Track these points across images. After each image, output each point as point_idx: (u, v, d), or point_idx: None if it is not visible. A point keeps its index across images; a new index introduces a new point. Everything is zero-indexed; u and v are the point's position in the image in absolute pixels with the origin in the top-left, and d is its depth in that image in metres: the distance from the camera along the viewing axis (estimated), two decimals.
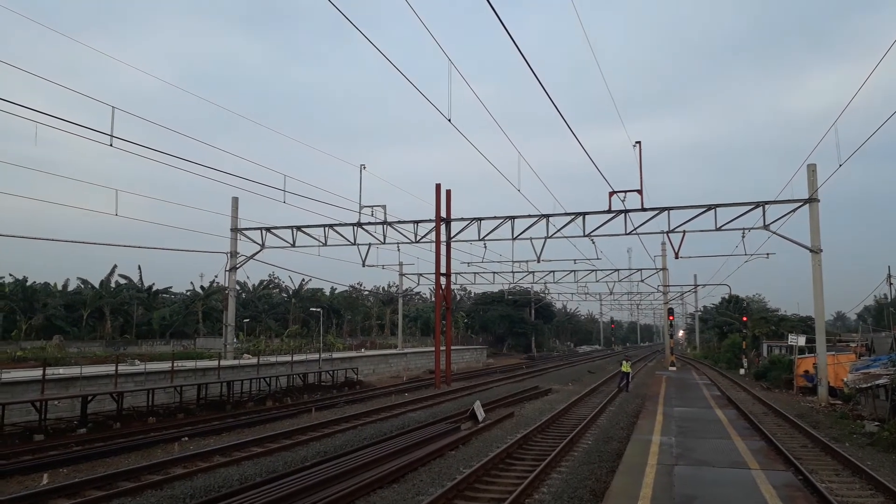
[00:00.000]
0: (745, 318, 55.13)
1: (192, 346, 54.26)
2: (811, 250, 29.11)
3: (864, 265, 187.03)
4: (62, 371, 24.16)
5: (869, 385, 21.31)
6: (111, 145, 20.44)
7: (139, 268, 71.30)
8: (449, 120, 17.30)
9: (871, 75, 14.62)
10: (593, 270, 54.36)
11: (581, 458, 15.12)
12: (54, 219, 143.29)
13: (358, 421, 21.42)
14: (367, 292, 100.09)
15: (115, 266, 68.51)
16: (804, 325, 48.55)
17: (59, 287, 67.69)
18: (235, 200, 38.16)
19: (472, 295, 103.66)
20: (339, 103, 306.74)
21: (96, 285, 66.60)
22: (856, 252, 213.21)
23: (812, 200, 29.17)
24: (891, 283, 31.39)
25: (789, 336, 36.51)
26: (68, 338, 55.31)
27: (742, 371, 46.96)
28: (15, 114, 19.10)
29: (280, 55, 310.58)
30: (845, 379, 24.51)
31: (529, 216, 33.50)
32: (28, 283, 62.84)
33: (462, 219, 35.55)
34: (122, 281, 69.39)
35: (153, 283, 71.71)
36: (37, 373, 21.98)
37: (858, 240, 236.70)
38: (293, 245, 36.39)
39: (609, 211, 31.30)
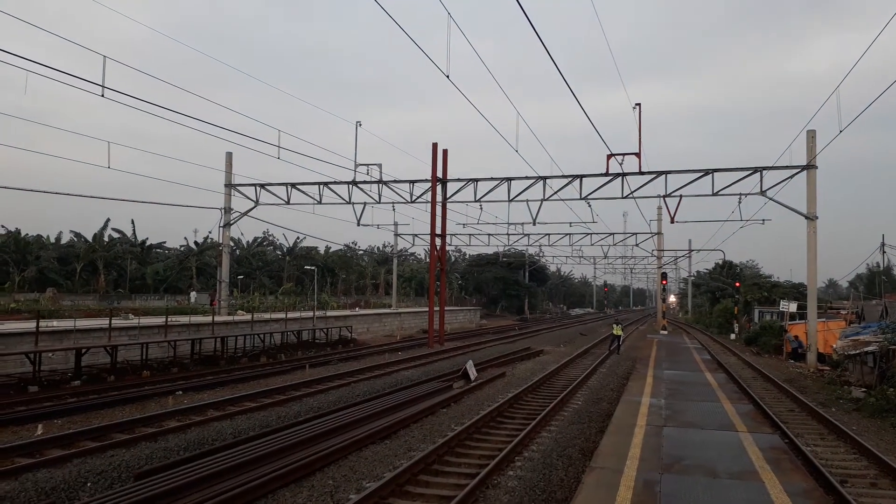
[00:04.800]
0: (737, 284, 55.45)
1: (186, 301, 54.29)
2: (807, 217, 29.07)
3: (857, 231, 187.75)
4: (56, 324, 24.15)
5: (858, 352, 21.53)
6: (102, 95, 20.04)
7: (132, 222, 71.15)
8: (447, 76, 16.98)
9: (874, 41, 14.36)
10: (588, 234, 54.34)
11: (571, 417, 15.32)
12: (46, 170, 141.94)
13: (351, 378, 21.58)
14: (361, 252, 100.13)
15: (109, 220, 68.37)
16: (796, 291, 48.87)
17: (52, 240, 67.43)
18: (229, 155, 37.75)
19: (467, 256, 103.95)
20: (336, 61, 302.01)
21: (89, 238, 66.32)
22: (849, 217, 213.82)
23: (810, 167, 29.00)
24: (884, 252, 31.49)
25: (781, 302, 36.76)
26: (61, 291, 55.23)
27: (733, 336, 47.41)
28: (7, 62, 18.80)
29: (276, 9, 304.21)
30: (835, 345, 24.74)
31: (526, 178, 33.28)
32: (21, 235, 62.52)
33: (458, 179, 35.28)
34: (116, 235, 69.20)
35: (147, 238, 71.66)
36: (30, 325, 21.99)
37: (852, 205, 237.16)
38: (287, 202, 36.13)
39: (607, 174, 31.08)
